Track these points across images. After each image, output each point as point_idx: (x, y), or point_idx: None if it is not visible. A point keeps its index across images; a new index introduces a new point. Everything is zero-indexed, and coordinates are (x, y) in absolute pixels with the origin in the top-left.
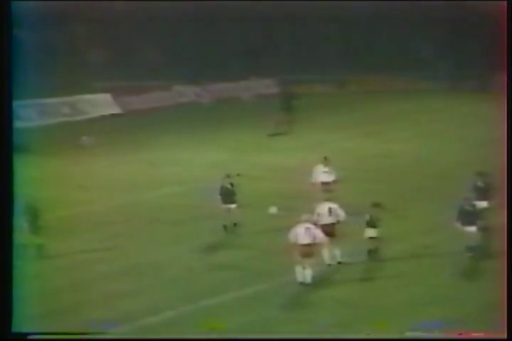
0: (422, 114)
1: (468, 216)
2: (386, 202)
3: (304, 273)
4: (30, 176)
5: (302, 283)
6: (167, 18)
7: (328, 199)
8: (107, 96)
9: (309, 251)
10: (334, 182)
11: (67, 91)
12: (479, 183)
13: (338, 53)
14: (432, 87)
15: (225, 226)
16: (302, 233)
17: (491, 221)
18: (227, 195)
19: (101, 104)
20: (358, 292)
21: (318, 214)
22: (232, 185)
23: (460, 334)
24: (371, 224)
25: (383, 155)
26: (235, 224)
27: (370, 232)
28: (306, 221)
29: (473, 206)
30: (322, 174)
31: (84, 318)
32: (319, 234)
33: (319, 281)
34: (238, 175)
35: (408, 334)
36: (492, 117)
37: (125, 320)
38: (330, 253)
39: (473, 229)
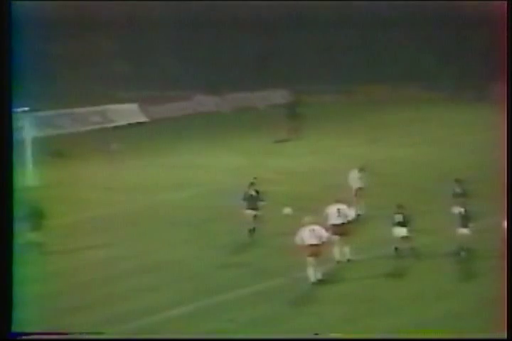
0: (423, 121)
1: (462, 219)
2: (389, 204)
3: (315, 270)
4: (63, 179)
5: (314, 283)
6: (188, 32)
7: (338, 201)
8: (133, 106)
9: (317, 250)
10: (366, 187)
11: (98, 101)
12: (456, 189)
13: (344, 65)
14: (433, 97)
15: (249, 231)
16: (307, 235)
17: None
18: (252, 201)
19: (128, 112)
20: (366, 288)
21: (328, 215)
22: (257, 192)
23: None
24: (402, 224)
25: (386, 160)
26: (253, 229)
27: (402, 231)
28: (310, 223)
29: (466, 210)
30: (357, 180)
31: (106, 313)
32: (324, 234)
33: (329, 277)
34: (255, 178)
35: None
36: (489, 125)
37: (144, 314)
38: (340, 251)
39: (465, 231)
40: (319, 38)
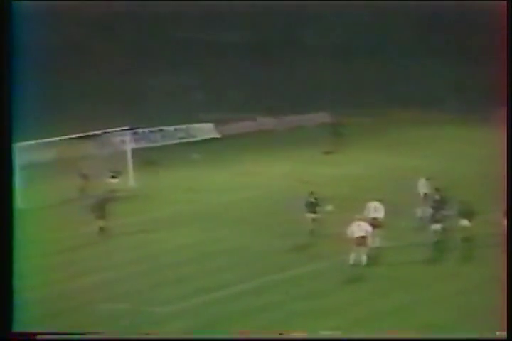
0: (438, 138)
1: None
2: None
3: (360, 257)
4: (154, 182)
5: (353, 265)
6: (253, 68)
7: (377, 200)
8: (210, 125)
9: (363, 241)
10: (431, 193)
11: (182, 121)
12: (436, 196)
13: (376, 92)
14: (445, 118)
15: (311, 231)
16: (356, 229)
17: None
18: (311, 207)
19: (206, 130)
20: (393, 269)
21: (369, 209)
22: (316, 199)
23: None
24: (436, 221)
25: (408, 168)
26: (313, 230)
27: (436, 227)
28: (359, 219)
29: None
30: (424, 187)
31: (188, 288)
32: (369, 228)
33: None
34: (304, 181)
35: None
36: (491, 141)
37: (218, 289)
38: (372, 240)
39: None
40: (356, 70)
